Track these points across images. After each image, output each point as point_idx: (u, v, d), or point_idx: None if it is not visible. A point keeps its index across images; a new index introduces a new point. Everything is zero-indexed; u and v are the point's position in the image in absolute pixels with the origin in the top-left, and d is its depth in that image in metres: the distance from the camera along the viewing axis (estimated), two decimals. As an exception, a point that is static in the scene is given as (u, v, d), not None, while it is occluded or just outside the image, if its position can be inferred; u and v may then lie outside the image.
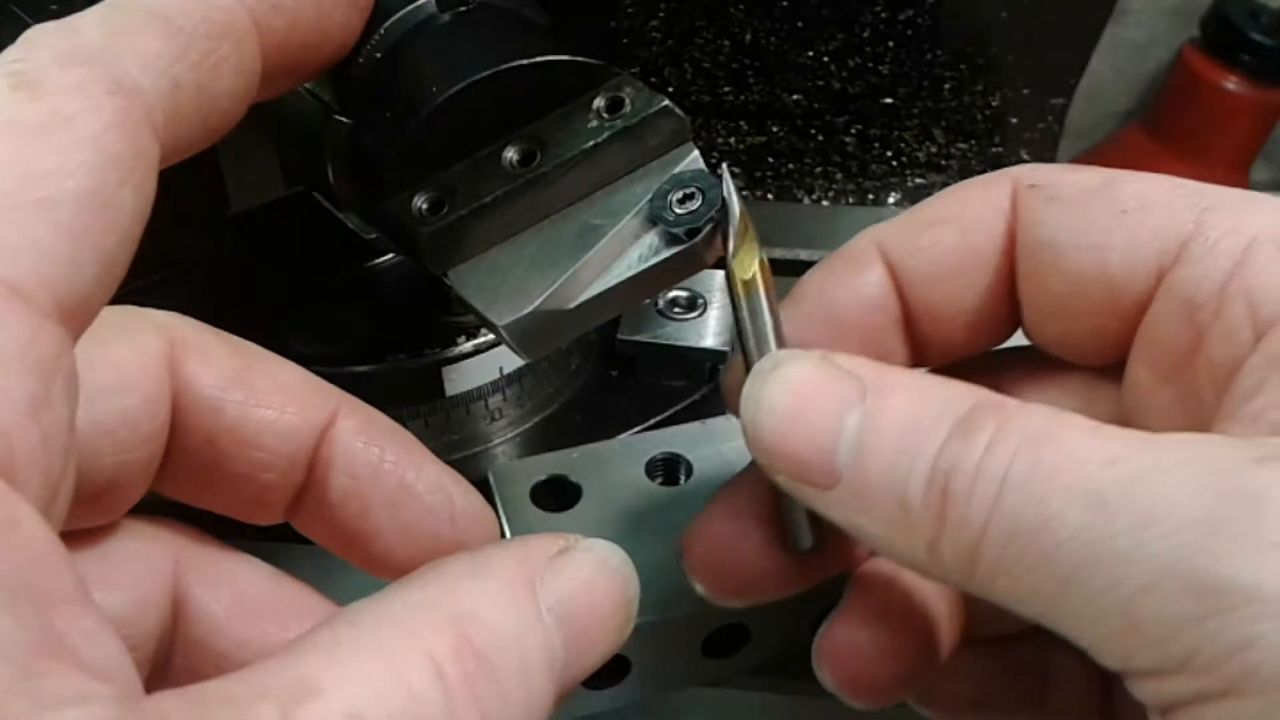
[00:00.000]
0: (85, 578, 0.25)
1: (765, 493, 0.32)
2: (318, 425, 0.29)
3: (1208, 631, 0.23)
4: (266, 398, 0.28)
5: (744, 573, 0.33)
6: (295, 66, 0.28)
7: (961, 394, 0.27)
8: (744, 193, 0.90)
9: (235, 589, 0.29)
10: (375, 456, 0.29)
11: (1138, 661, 0.24)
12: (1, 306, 0.19)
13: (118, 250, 0.21)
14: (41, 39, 0.22)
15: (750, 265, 0.31)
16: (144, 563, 0.28)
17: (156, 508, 0.29)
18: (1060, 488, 0.24)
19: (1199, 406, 0.29)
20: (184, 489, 0.29)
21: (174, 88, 0.23)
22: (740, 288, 0.31)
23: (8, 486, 0.18)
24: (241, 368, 0.28)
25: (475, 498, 0.30)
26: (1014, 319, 0.33)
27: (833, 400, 0.27)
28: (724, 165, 0.32)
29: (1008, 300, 0.32)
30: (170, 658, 0.28)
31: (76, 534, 0.27)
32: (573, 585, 0.24)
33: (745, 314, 0.31)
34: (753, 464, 0.33)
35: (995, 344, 0.34)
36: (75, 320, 0.20)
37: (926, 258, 0.32)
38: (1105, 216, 0.30)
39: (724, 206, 0.31)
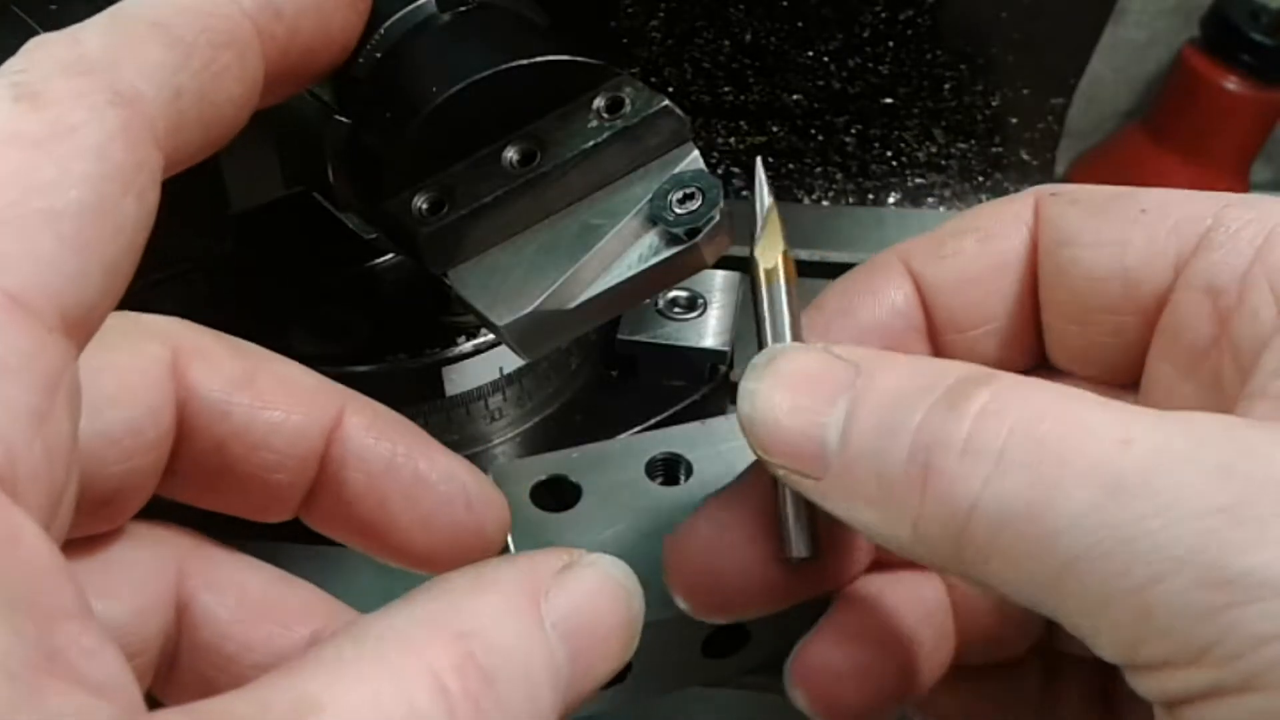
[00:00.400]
0: (88, 585, 0.25)
1: (756, 502, 0.32)
2: (326, 424, 0.29)
3: (1228, 623, 0.22)
4: (273, 399, 0.28)
5: (728, 587, 0.32)
6: (298, 72, 0.28)
7: (951, 367, 0.27)
8: (744, 193, 0.90)
9: (239, 591, 0.29)
10: (388, 451, 0.29)
11: (1145, 653, 0.23)
12: (4, 318, 0.19)
13: (120, 260, 0.21)
14: (43, 50, 0.22)
15: (773, 255, 0.31)
16: (147, 568, 0.28)
17: (157, 508, 0.29)
18: (1069, 467, 0.24)
19: (1220, 400, 0.28)
20: (193, 493, 0.29)
21: (176, 97, 0.23)
22: (762, 277, 0.31)
23: (9, 500, 0.18)
24: (247, 370, 0.28)
25: (486, 482, 0.30)
26: (1039, 336, 0.33)
27: (825, 387, 0.27)
28: (758, 158, 0.32)
29: (1032, 311, 0.32)
30: (176, 661, 0.28)
31: (79, 541, 0.27)
32: (577, 600, 0.24)
33: (765, 305, 0.31)
34: (741, 475, 0.33)
35: (1023, 365, 0.34)
36: (79, 331, 0.20)
37: (949, 265, 0.32)
38: (1124, 215, 0.30)
39: (738, 198, 0.31)
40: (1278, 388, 0.26)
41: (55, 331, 0.20)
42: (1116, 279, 0.30)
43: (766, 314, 0.31)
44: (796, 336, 0.31)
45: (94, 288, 0.20)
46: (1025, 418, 0.24)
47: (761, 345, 0.31)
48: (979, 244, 0.32)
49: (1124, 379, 0.32)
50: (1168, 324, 0.30)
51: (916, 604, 0.33)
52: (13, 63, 0.22)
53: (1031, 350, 0.33)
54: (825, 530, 0.31)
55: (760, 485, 0.32)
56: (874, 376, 0.27)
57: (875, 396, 0.27)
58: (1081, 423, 0.24)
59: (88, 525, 0.26)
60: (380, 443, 0.29)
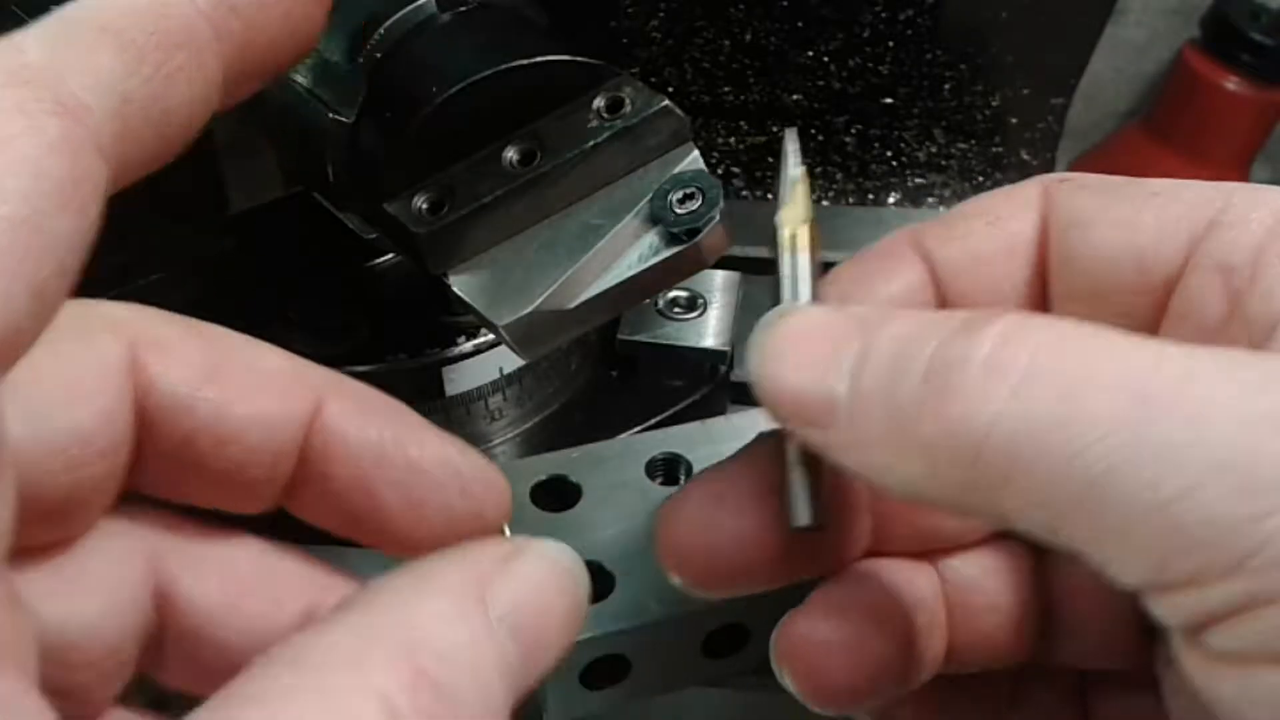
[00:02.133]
0: (50, 592, 0.24)
1: (754, 473, 0.31)
2: (303, 415, 0.27)
3: (1270, 530, 0.21)
4: (242, 392, 0.26)
5: (722, 560, 0.31)
6: (260, 68, 0.26)
7: (961, 312, 0.26)
8: (744, 193, 0.90)
9: (224, 573, 0.27)
10: (374, 438, 0.27)
11: (1172, 571, 0.22)
12: None
13: (51, 281, 0.20)
14: None
15: (795, 221, 0.31)
16: (116, 564, 0.26)
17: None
18: (1096, 383, 0.23)
19: None
20: (164, 488, 0.27)
21: (123, 104, 0.22)
22: (786, 242, 0.31)
23: None
24: (213, 361, 0.26)
25: (482, 463, 0.29)
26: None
27: (833, 337, 0.27)
28: (789, 129, 0.32)
29: (1041, 295, 0.32)
30: (163, 651, 0.27)
31: (38, 546, 0.25)
32: (524, 592, 0.24)
33: (786, 271, 0.30)
34: (738, 452, 0.32)
35: None
36: (1, 356, 0.19)
37: (960, 245, 0.32)
38: (1134, 198, 0.30)
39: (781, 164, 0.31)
40: None
41: None
42: (1129, 259, 0.30)
43: (786, 284, 0.30)
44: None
45: (19, 310, 0.19)
46: (1049, 340, 0.24)
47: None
48: (989, 226, 0.32)
49: None
50: (1179, 304, 0.30)
51: (910, 588, 0.32)
52: None
53: None
54: (827, 506, 0.31)
55: (759, 457, 0.31)
56: (885, 324, 0.27)
57: (887, 339, 0.26)
58: (1109, 345, 0.24)
59: (42, 534, 0.25)
60: (365, 430, 0.27)
